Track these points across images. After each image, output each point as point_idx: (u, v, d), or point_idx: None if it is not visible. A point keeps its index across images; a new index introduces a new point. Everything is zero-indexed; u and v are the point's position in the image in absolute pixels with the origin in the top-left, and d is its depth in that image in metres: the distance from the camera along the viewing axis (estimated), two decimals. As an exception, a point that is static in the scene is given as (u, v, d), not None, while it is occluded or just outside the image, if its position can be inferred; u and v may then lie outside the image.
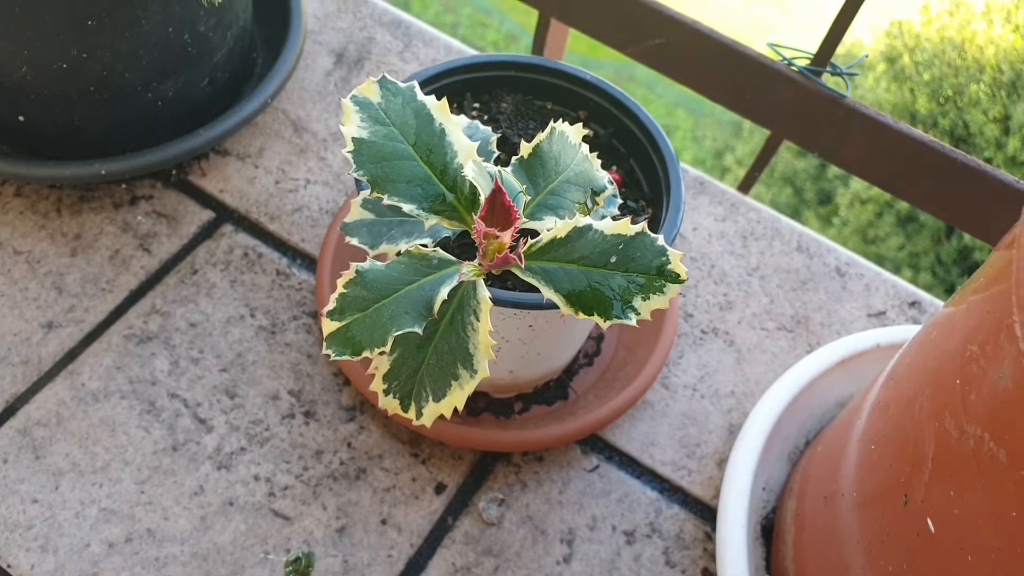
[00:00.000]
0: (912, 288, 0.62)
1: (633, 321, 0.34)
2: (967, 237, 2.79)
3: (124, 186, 0.61)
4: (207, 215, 0.61)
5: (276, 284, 0.58)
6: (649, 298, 0.35)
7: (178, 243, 0.59)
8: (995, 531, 0.28)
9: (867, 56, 0.75)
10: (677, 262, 0.35)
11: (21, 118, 0.56)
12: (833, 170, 3.34)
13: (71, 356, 0.54)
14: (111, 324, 0.55)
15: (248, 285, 0.58)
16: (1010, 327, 0.28)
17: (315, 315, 0.57)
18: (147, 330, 0.55)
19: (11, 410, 0.51)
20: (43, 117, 0.57)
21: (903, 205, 3.05)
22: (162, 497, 0.50)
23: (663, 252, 0.35)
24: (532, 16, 0.75)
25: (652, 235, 0.35)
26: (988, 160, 3.20)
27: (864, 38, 3.63)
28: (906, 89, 3.33)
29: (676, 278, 0.35)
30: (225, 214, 0.61)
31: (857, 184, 3.21)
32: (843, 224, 3.42)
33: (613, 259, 0.35)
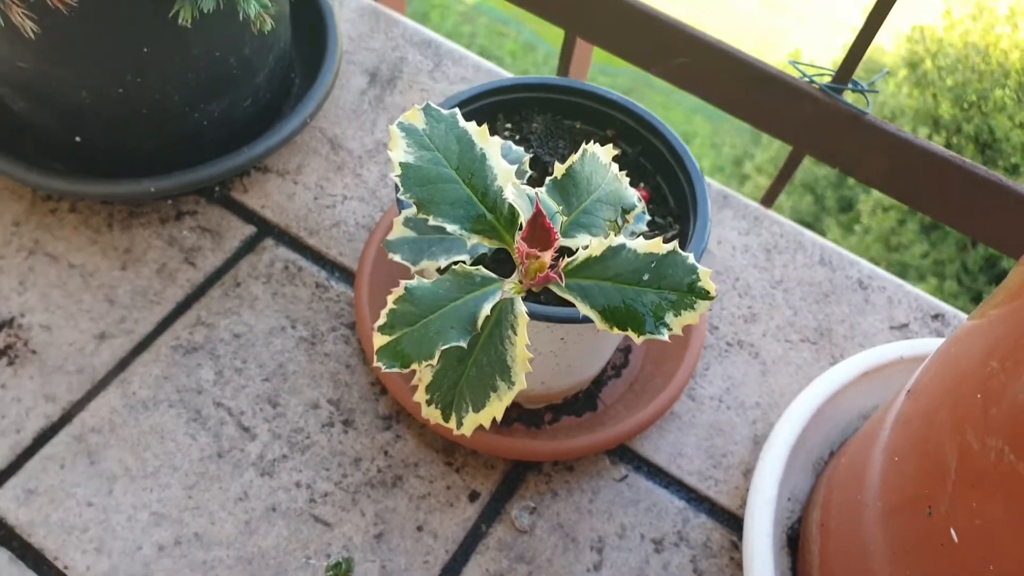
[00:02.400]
0: (935, 301, 0.63)
1: (666, 336, 0.36)
2: (992, 245, 2.78)
3: (170, 202, 0.64)
4: (249, 230, 0.63)
5: (315, 296, 0.60)
6: (680, 314, 0.36)
7: (222, 257, 0.62)
8: (1016, 541, 0.30)
9: (887, 72, 0.76)
10: (707, 279, 0.37)
11: (77, 138, 0.59)
12: (854, 177, 3.32)
13: (122, 365, 0.56)
14: (159, 335, 0.58)
15: (289, 297, 0.60)
16: (1028, 345, 0.30)
17: (353, 326, 0.59)
18: (193, 341, 0.58)
19: (67, 417, 0.54)
20: (98, 137, 0.59)
21: (926, 212, 3.02)
22: (208, 502, 0.52)
23: (694, 270, 0.37)
24: (548, 25, 0.77)
25: (683, 253, 0.37)
26: (1015, 166, 3.17)
27: (886, 44, 3.63)
28: (929, 94, 3.32)
29: (706, 295, 0.36)
30: (266, 229, 0.63)
31: (878, 191, 3.19)
32: (865, 232, 3.41)
33: (646, 276, 0.37)
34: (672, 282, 0.37)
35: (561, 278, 0.37)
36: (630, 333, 0.36)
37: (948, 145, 3.21)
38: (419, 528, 0.52)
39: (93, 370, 0.56)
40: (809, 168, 3.51)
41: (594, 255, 0.38)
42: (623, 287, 0.37)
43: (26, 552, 0.50)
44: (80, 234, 0.61)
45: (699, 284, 0.37)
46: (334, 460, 0.54)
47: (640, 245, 0.37)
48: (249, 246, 0.62)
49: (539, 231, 0.36)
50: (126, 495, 0.52)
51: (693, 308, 0.36)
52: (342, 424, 0.55)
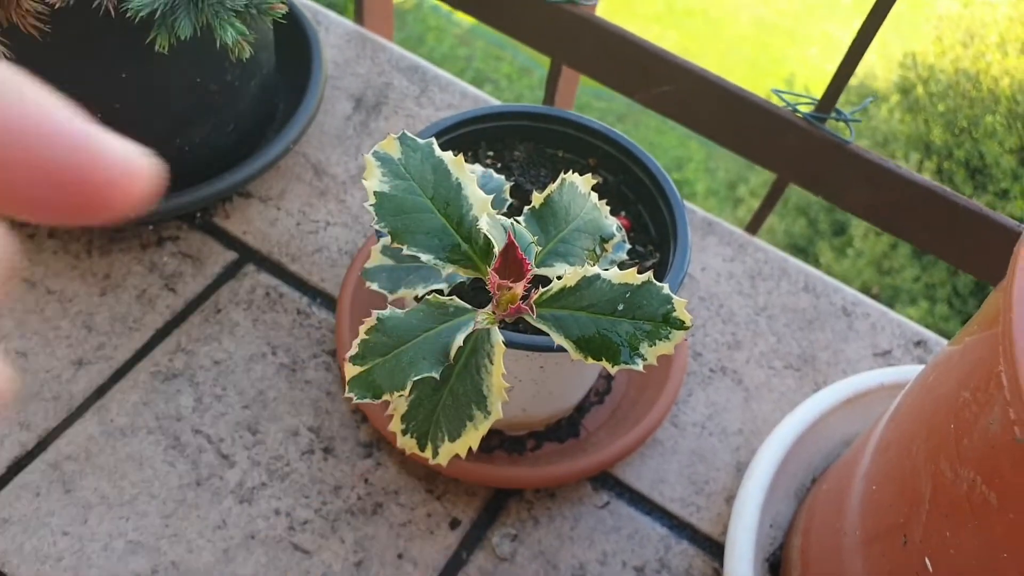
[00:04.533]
0: (917, 327, 0.63)
1: (640, 367, 0.36)
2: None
3: (151, 227, 0.64)
4: (230, 256, 0.63)
5: (297, 323, 0.60)
6: (655, 344, 0.36)
7: (202, 283, 0.62)
8: (988, 570, 0.29)
9: (872, 99, 0.77)
10: (682, 309, 0.37)
11: (56, 164, 0.59)
12: (846, 201, 3.34)
13: (100, 392, 0.56)
14: (138, 361, 0.57)
15: (270, 324, 0.60)
16: (999, 376, 0.30)
17: (334, 353, 0.59)
18: (172, 367, 0.57)
19: (43, 444, 0.53)
20: (77, 163, 0.59)
21: (917, 237, 3.04)
22: (186, 530, 0.51)
23: (668, 300, 0.37)
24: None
25: (657, 284, 0.37)
26: (1004, 191, 3.19)
27: (877, 69, 3.66)
28: (920, 120, 3.35)
29: (681, 325, 0.36)
30: (248, 255, 0.63)
31: (871, 216, 3.20)
32: (857, 255, 3.42)
33: (620, 307, 0.37)
34: (647, 312, 0.37)
35: (532, 310, 0.36)
36: (604, 363, 0.36)
37: (939, 170, 3.23)
38: (399, 556, 0.52)
39: (70, 397, 0.55)
40: (803, 192, 3.53)
41: (568, 285, 0.37)
42: (598, 317, 0.37)
43: (-1, 582, 0.49)
44: (59, 260, 0.61)
45: (674, 314, 0.36)
46: (314, 488, 0.54)
47: (614, 275, 0.37)
48: (230, 272, 0.62)
49: (511, 262, 0.36)
50: (102, 523, 0.51)
51: (668, 338, 0.36)
52: (322, 451, 0.55)
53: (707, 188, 3.88)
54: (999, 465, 0.29)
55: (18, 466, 0.53)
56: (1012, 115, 3.31)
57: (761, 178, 3.75)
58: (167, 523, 0.52)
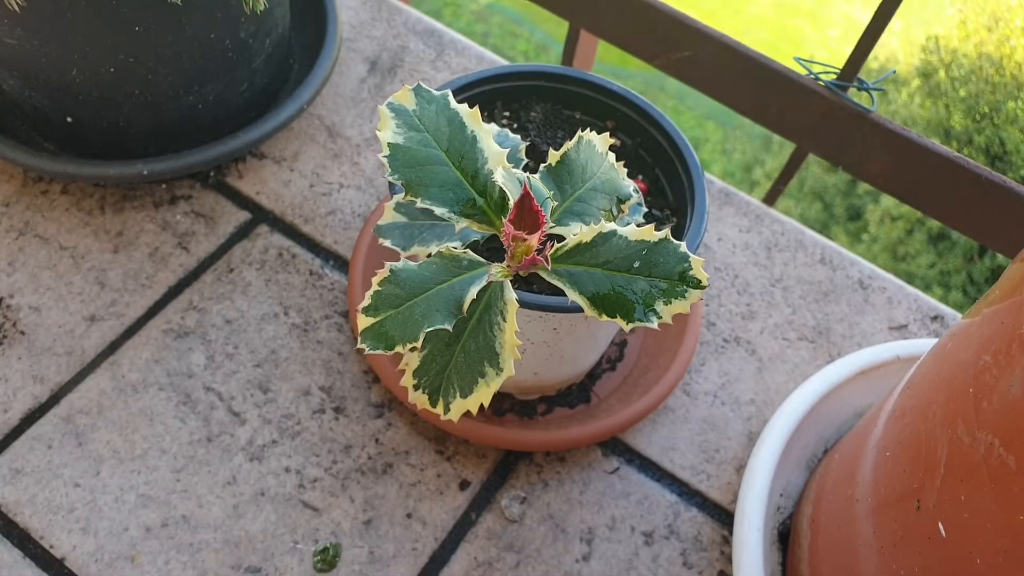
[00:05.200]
0: (934, 302, 0.63)
1: (655, 324, 0.35)
2: (1000, 256, 2.77)
3: (164, 186, 0.64)
4: (243, 216, 0.63)
5: (309, 284, 0.60)
6: (671, 302, 0.36)
7: (215, 242, 0.61)
8: (1004, 534, 0.29)
9: (895, 72, 0.76)
10: (699, 268, 0.36)
11: (69, 119, 0.59)
12: (863, 186, 3.32)
13: (112, 348, 0.56)
14: (150, 319, 0.57)
15: (282, 284, 0.60)
16: (1021, 337, 0.29)
17: (346, 315, 0.59)
18: (184, 325, 0.57)
19: (55, 398, 0.54)
20: (90, 118, 0.59)
21: (934, 223, 3.02)
22: (197, 485, 0.52)
23: (685, 258, 0.36)
24: (562, 26, 0.77)
25: (675, 241, 0.36)
26: (1024, 178, 3.16)
27: (899, 53, 3.61)
28: (941, 105, 3.31)
29: (697, 284, 0.36)
30: (261, 215, 0.63)
31: (887, 201, 3.18)
32: (872, 241, 3.39)
33: (636, 264, 0.36)
34: (663, 270, 0.36)
35: (548, 261, 0.36)
36: (619, 320, 0.36)
37: (958, 155, 3.19)
38: (408, 515, 0.52)
39: (82, 352, 0.55)
40: (819, 176, 3.50)
41: (584, 241, 0.37)
42: (613, 274, 0.36)
43: (11, 531, 0.49)
44: (71, 216, 0.61)
45: (691, 273, 0.36)
46: (324, 446, 0.54)
47: (631, 232, 0.37)
48: (243, 232, 0.62)
49: (527, 213, 0.35)
50: (113, 476, 0.51)
51: (684, 297, 0.36)
52: (333, 411, 0.55)
53: (723, 170, 3.85)
54: (1019, 427, 0.28)
55: (31, 419, 0.53)
56: (1034, 102, 3.26)
57: (777, 161, 3.73)
58: (178, 478, 0.52)
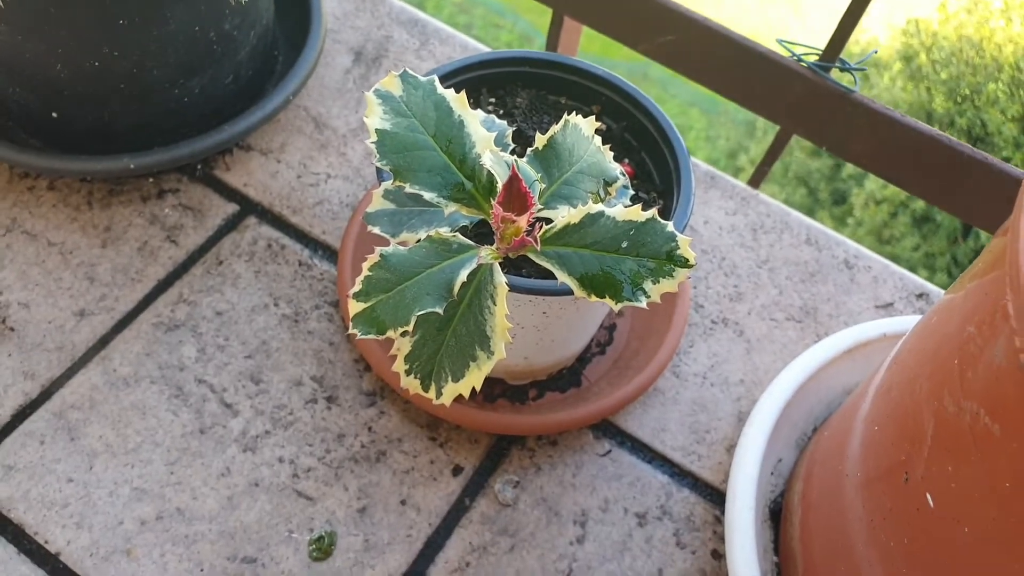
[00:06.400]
0: (920, 280, 0.63)
1: (643, 303, 0.36)
2: (983, 236, 2.79)
3: (151, 180, 0.63)
4: (232, 208, 0.63)
5: (298, 274, 0.60)
6: (659, 281, 0.36)
7: (204, 235, 0.61)
8: (990, 502, 0.29)
9: (876, 52, 0.76)
10: (686, 247, 0.36)
11: (54, 114, 0.59)
12: (847, 170, 3.34)
13: (103, 343, 0.56)
14: (140, 312, 0.57)
15: (272, 275, 0.60)
16: (1004, 307, 0.30)
17: (336, 304, 0.59)
18: (175, 318, 0.57)
19: (47, 394, 0.54)
20: (75, 113, 0.59)
21: (918, 205, 3.04)
22: (191, 478, 0.52)
23: (672, 237, 0.36)
24: (545, 17, 0.77)
25: (662, 221, 0.37)
26: (1006, 160, 3.18)
27: (880, 36, 3.63)
28: (923, 88, 3.33)
29: (685, 262, 0.36)
30: (249, 207, 0.63)
31: (872, 184, 3.20)
32: (857, 224, 3.41)
33: (624, 244, 0.36)
34: (651, 250, 0.36)
35: (537, 242, 0.36)
36: (608, 300, 0.36)
37: (941, 137, 3.22)
38: (403, 502, 0.52)
39: (73, 347, 0.55)
40: (804, 161, 3.51)
41: (572, 222, 0.37)
42: (602, 254, 0.37)
43: (6, 527, 0.49)
44: (59, 212, 0.61)
45: (678, 252, 0.36)
46: (317, 436, 0.54)
47: (619, 212, 0.37)
48: (232, 224, 0.62)
49: (515, 195, 0.35)
50: (107, 471, 0.51)
51: (672, 276, 0.36)
52: (325, 400, 0.55)
53: (707, 157, 3.86)
54: (1003, 395, 0.29)
55: (22, 415, 0.53)
56: (1015, 83, 3.29)
57: (761, 147, 3.74)
58: (171, 471, 0.52)
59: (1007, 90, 3.20)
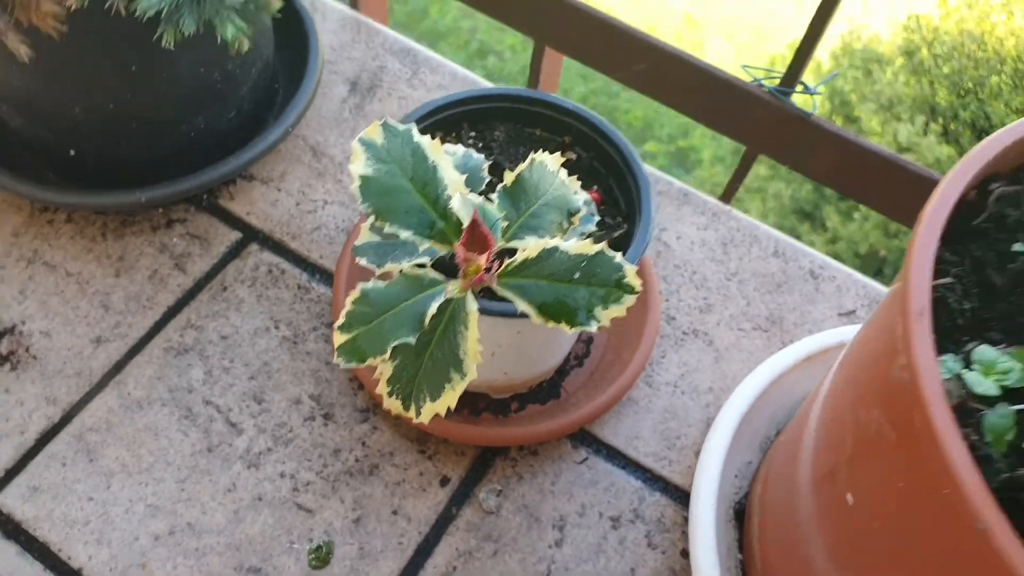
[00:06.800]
0: (881, 288, 0.67)
1: (594, 328, 0.40)
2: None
3: (160, 211, 0.68)
4: (235, 235, 0.67)
5: (298, 298, 0.65)
6: (609, 307, 0.40)
7: (209, 262, 0.66)
8: (890, 499, 0.33)
9: (837, 75, 0.79)
10: (633, 276, 0.41)
11: (72, 152, 0.64)
12: (851, 166, 3.34)
13: (118, 368, 0.60)
14: (152, 338, 0.62)
15: (272, 299, 0.64)
16: (905, 320, 0.34)
17: (332, 325, 0.63)
18: (183, 343, 0.62)
19: (67, 418, 0.58)
20: (91, 151, 0.64)
21: (922, 199, 3.04)
22: (200, 494, 0.56)
23: (620, 268, 0.41)
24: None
25: (610, 253, 0.41)
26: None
27: (882, 33, 3.64)
28: (925, 82, 3.34)
29: (631, 289, 0.40)
30: (251, 234, 0.68)
31: (875, 180, 3.20)
32: (864, 219, 3.43)
33: (577, 275, 0.41)
34: (601, 279, 0.41)
35: (494, 280, 0.41)
36: (563, 325, 0.40)
37: (945, 131, 3.24)
38: (394, 512, 0.56)
39: (91, 373, 0.60)
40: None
41: (530, 256, 0.42)
42: (557, 284, 0.41)
43: (32, 545, 0.54)
44: (76, 243, 0.66)
45: (625, 280, 0.40)
46: (315, 451, 0.58)
47: (572, 246, 0.41)
48: (235, 251, 0.67)
49: (476, 237, 0.40)
50: (123, 489, 0.56)
51: (620, 302, 0.40)
52: (323, 418, 0.60)
53: (713, 155, 3.88)
54: (897, 406, 0.33)
55: (45, 438, 0.58)
56: (1018, 75, 3.30)
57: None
58: (182, 488, 0.56)
59: (1010, 82, 3.21)
